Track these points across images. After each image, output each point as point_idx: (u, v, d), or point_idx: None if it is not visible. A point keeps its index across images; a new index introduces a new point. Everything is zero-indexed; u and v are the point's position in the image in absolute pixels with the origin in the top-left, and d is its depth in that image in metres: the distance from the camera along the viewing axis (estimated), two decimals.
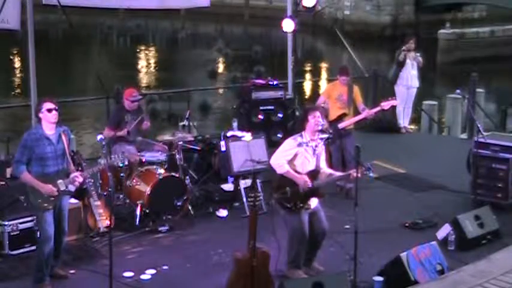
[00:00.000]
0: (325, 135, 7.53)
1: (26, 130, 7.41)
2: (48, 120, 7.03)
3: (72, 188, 7.27)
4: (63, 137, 7.11)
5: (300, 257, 7.41)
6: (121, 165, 7.99)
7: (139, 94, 10.01)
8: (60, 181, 7.06)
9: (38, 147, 6.96)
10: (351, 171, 7.29)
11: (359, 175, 7.07)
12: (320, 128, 7.39)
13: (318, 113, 7.40)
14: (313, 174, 7.34)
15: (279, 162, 7.33)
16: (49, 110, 7.00)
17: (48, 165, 7.01)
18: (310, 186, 7.24)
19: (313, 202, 7.39)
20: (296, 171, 7.31)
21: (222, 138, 9.92)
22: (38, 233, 7.35)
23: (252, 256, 6.65)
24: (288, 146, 7.37)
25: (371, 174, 7.40)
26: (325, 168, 7.52)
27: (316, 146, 7.39)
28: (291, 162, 7.33)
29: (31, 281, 7.20)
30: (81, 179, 7.26)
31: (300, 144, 7.33)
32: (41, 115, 7.05)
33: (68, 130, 7.31)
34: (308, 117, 7.36)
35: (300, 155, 7.32)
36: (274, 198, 7.37)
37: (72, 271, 7.61)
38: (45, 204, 7.02)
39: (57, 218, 7.23)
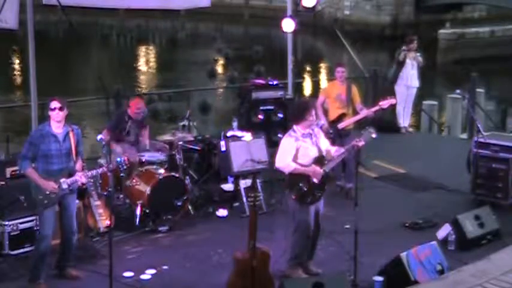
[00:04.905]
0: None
1: (28, 130, 7.44)
2: (52, 118, 7.12)
3: (74, 187, 7.31)
4: (71, 136, 7.17)
5: (304, 253, 7.41)
6: (125, 167, 7.97)
7: (143, 100, 10.02)
8: (63, 179, 7.13)
9: (44, 144, 7.05)
10: (355, 141, 7.41)
11: (363, 141, 7.37)
12: (316, 127, 7.46)
13: (313, 111, 7.45)
14: (320, 160, 7.37)
15: (285, 162, 7.33)
16: (52, 109, 7.09)
17: (52, 163, 7.09)
18: (322, 172, 7.28)
19: None
20: (302, 164, 7.31)
21: (222, 138, 9.91)
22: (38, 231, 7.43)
23: (252, 256, 6.65)
24: (288, 144, 7.38)
25: (374, 135, 7.44)
26: (329, 148, 7.55)
27: (310, 134, 7.41)
28: (295, 157, 7.33)
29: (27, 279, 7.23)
30: (84, 180, 7.36)
31: (296, 139, 7.35)
32: (49, 112, 7.15)
33: (77, 129, 7.35)
34: (305, 116, 7.34)
35: (301, 148, 7.34)
36: (291, 196, 7.33)
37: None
38: (46, 201, 7.09)
39: (63, 216, 7.30)
